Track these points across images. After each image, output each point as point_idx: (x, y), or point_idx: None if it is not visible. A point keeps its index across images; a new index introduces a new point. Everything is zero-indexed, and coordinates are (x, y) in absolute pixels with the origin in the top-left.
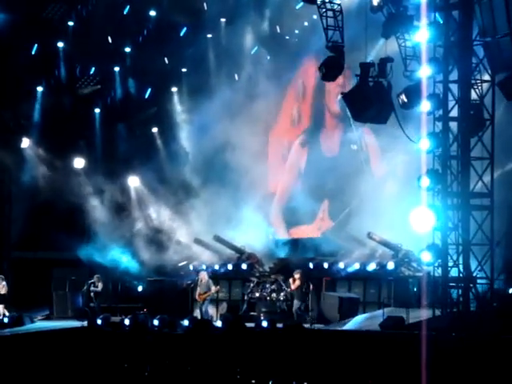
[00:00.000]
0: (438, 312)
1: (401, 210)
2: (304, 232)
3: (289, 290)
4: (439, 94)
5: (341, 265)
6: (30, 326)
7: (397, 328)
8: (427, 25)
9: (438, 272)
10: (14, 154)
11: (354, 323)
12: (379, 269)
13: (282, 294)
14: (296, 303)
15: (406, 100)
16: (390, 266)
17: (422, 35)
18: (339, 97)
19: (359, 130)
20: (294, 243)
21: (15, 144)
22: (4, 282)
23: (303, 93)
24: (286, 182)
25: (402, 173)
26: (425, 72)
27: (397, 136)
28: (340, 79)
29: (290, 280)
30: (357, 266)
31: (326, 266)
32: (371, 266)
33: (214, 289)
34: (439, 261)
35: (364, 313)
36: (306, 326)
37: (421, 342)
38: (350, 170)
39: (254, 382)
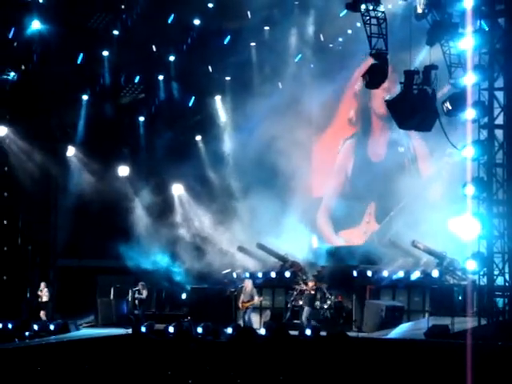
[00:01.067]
0: (483, 321)
1: (445, 216)
2: (351, 235)
3: (332, 297)
4: (484, 101)
5: (385, 273)
6: (75, 333)
7: (442, 337)
8: (472, 32)
9: (484, 281)
10: (59, 162)
11: (398, 332)
12: (423, 277)
13: (325, 302)
14: (306, 310)
15: (450, 107)
16: (435, 274)
17: (467, 42)
18: (387, 96)
19: (406, 132)
20: (338, 251)
21: (61, 152)
22: (46, 289)
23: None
24: (332, 185)
25: (447, 178)
26: (470, 79)
27: (442, 142)
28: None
29: (304, 285)
30: (401, 274)
31: (369, 273)
32: (415, 274)
33: (257, 299)
34: (485, 269)
35: (408, 321)
36: (351, 334)
37: (466, 351)
38: (397, 172)
39: None
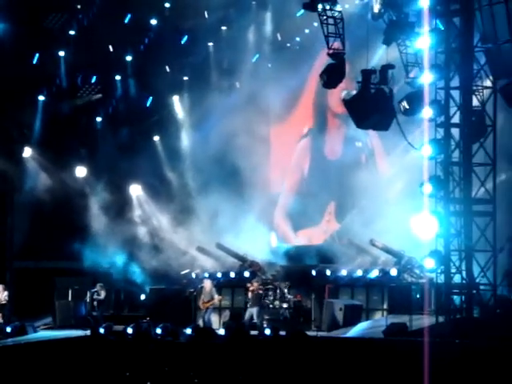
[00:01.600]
0: (441, 319)
1: (403, 214)
2: (311, 234)
3: (291, 297)
4: (441, 100)
5: (343, 272)
6: (32, 336)
7: (400, 335)
8: (428, 31)
9: (441, 278)
10: (16, 163)
11: (357, 330)
12: (382, 275)
13: (285, 301)
14: (256, 310)
15: (407, 107)
16: (393, 272)
17: (423, 42)
18: (344, 94)
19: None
20: (296, 250)
21: (17, 153)
22: (6, 292)
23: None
24: (289, 183)
25: (405, 177)
26: (426, 78)
27: (399, 141)
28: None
29: (250, 285)
30: (359, 272)
31: (328, 273)
32: (374, 273)
33: (217, 297)
34: (442, 267)
35: (367, 320)
36: (310, 333)
37: (424, 348)
38: (354, 169)
39: None
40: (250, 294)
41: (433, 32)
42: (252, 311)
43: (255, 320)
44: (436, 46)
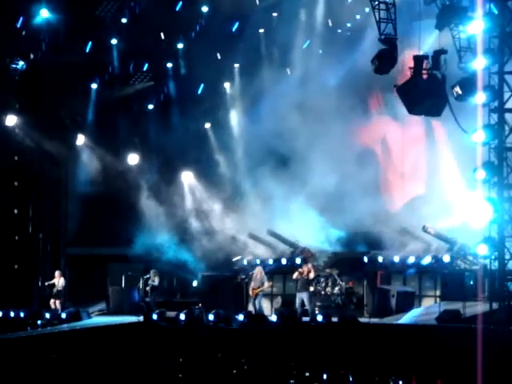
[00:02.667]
0: (494, 305)
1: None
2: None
3: (343, 284)
4: (494, 85)
5: (395, 258)
6: (87, 321)
7: (453, 322)
8: (482, 15)
9: (495, 265)
10: (69, 150)
11: (409, 317)
12: (434, 262)
13: (336, 288)
14: (305, 295)
15: (460, 92)
16: (446, 259)
17: (476, 26)
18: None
19: None
20: (347, 237)
21: (71, 141)
22: (62, 278)
23: None
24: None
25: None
26: (480, 63)
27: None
28: None
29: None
30: (412, 259)
31: (380, 259)
32: (426, 260)
33: (266, 284)
34: (496, 253)
35: (420, 306)
36: (363, 320)
37: (477, 335)
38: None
39: (307, 375)
40: (299, 279)
41: (486, 16)
42: (302, 296)
43: (307, 306)
44: (490, 30)
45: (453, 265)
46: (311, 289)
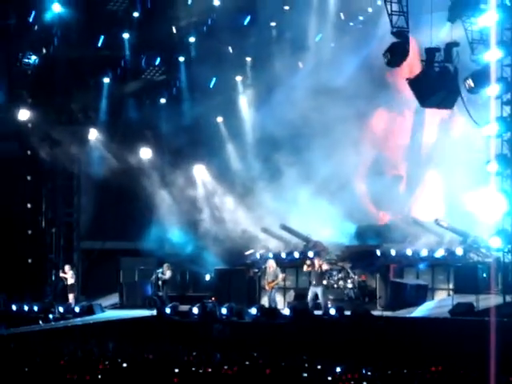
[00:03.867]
0: (508, 298)
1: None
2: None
3: (355, 277)
4: (507, 77)
5: (408, 251)
6: (100, 315)
7: (467, 314)
8: (495, 7)
9: (508, 257)
10: (81, 145)
11: (422, 310)
12: (447, 255)
13: (349, 281)
14: (320, 290)
15: (472, 85)
16: (459, 252)
17: (489, 18)
18: None
19: None
20: (360, 230)
21: (83, 135)
22: (72, 272)
23: None
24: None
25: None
26: (492, 56)
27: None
28: None
29: (311, 264)
30: (425, 252)
31: (393, 253)
32: (439, 253)
33: (281, 276)
34: (509, 246)
35: (433, 299)
36: (375, 313)
37: (491, 328)
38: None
39: (320, 368)
40: (312, 273)
41: (499, 8)
42: (316, 290)
43: (320, 300)
44: (502, 22)
45: (466, 258)
46: (324, 282)
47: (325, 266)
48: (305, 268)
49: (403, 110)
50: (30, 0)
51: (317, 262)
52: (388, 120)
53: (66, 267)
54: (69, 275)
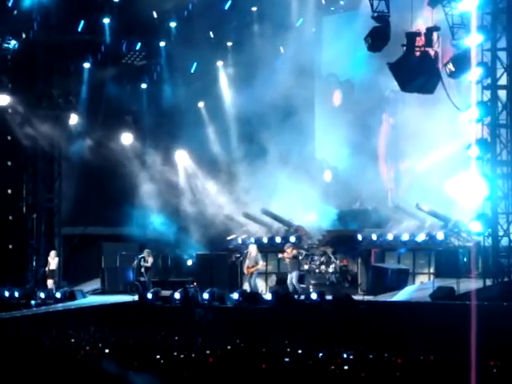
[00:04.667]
0: (488, 282)
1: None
2: None
3: (337, 261)
4: (487, 62)
5: (389, 236)
6: (82, 301)
7: (447, 298)
8: None
9: (489, 242)
10: (62, 130)
11: (404, 294)
12: (428, 239)
13: (331, 266)
14: (295, 274)
15: (453, 69)
16: (440, 236)
17: (469, 3)
18: None
19: None
20: (342, 215)
21: (64, 120)
22: (57, 258)
23: None
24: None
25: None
26: (473, 40)
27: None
28: None
29: (284, 254)
30: (406, 236)
31: (374, 237)
32: (420, 237)
33: (261, 263)
34: (489, 230)
35: (414, 284)
36: (357, 297)
37: (471, 312)
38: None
39: (300, 352)
40: (287, 261)
41: None
42: (291, 276)
43: (294, 284)
44: (483, 6)
45: (447, 242)
46: (306, 267)
47: (294, 252)
48: (279, 255)
49: None
50: None
51: (288, 249)
52: None
53: (52, 253)
54: (54, 261)
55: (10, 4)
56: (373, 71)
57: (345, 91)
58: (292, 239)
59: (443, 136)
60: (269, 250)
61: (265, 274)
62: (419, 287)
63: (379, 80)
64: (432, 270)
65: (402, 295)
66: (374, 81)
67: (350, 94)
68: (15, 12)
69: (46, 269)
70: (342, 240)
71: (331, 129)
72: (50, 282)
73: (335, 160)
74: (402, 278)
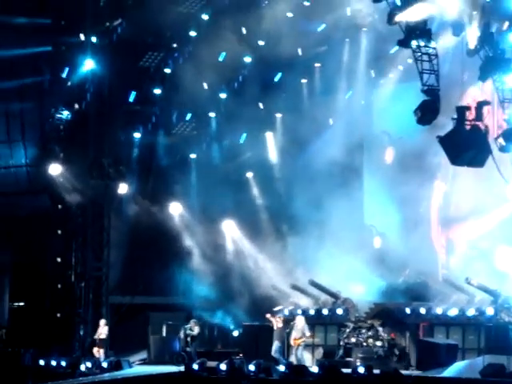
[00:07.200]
0: None
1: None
2: None
3: (385, 335)
4: None
5: (438, 310)
6: (128, 371)
7: (498, 376)
8: None
9: None
10: (111, 199)
11: (453, 370)
12: (478, 315)
13: (378, 339)
14: (276, 344)
15: (504, 143)
16: (490, 311)
17: None
18: None
19: None
20: (390, 287)
21: (113, 190)
22: (106, 327)
23: None
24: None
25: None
26: None
27: None
28: None
29: (274, 321)
30: (455, 311)
31: (422, 311)
32: (470, 312)
33: (308, 334)
34: None
35: (463, 360)
36: (405, 372)
37: None
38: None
39: None
40: (275, 327)
41: None
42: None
43: (272, 354)
44: None
45: (497, 317)
46: (353, 340)
47: (280, 324)
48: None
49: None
50: (63, 56)
51: (273, 320)
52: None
53: (102, 321)
54: (104, 330)
55: (64, 75)
56: (424, 136)
57: (398, 149)
58: (339, 311)
59: (495, 203)
60: (316, 321)
61: (311, 347)
62: (469, 363)
63: (431, 144)
64: (482, 346)
65: (451, 371)
66: (426, 145)
67: (403, 153)
68: (69, 83)
69: (95, 337)
70: (389, 313)
71: (381, 190)
72: (96, 351)
73: (384, 226)
74: (451, 354)
